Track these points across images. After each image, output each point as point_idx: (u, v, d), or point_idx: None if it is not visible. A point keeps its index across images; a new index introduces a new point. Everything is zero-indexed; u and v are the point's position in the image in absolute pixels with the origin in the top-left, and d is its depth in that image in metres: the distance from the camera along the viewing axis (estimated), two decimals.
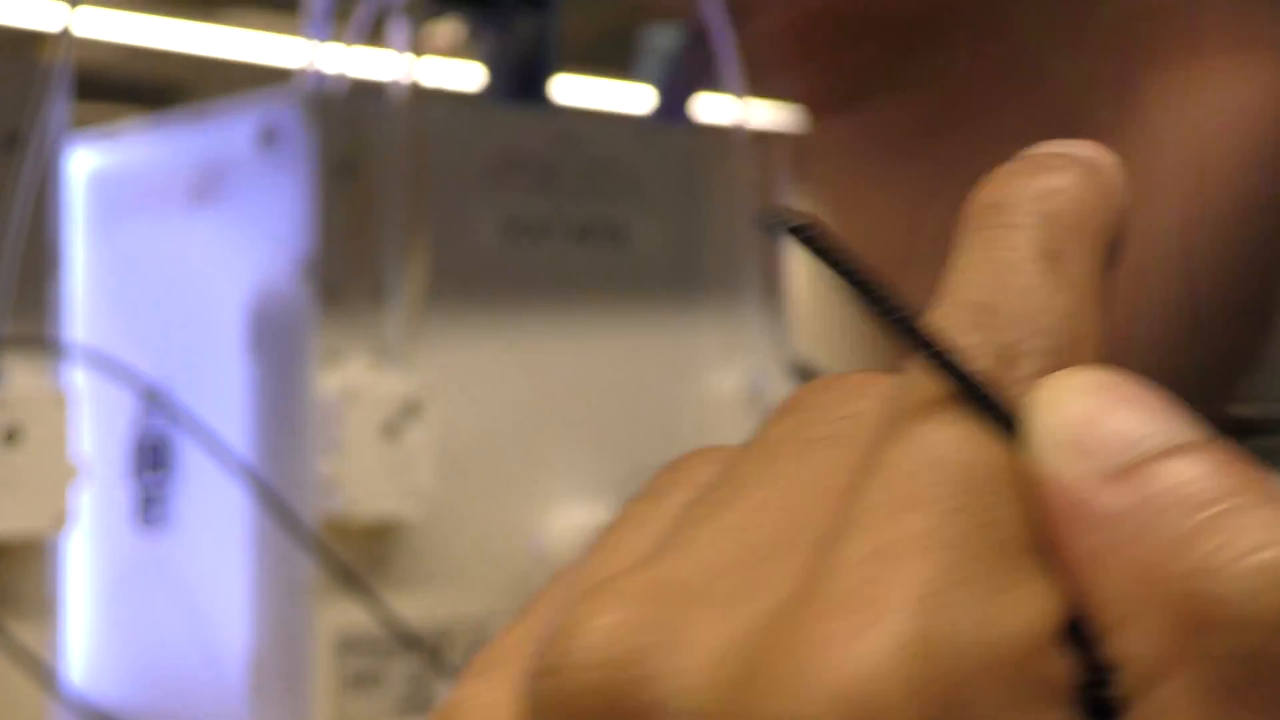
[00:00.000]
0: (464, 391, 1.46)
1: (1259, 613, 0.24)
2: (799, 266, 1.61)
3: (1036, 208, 0.29)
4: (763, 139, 1.65)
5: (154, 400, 1.49)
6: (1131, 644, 0.26)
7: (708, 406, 1.57)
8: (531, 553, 1.46)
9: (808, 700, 0.24)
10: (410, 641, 1.38)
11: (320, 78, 1.64)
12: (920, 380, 0.27)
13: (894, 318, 0.29)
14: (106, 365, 1.39)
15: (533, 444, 1.44)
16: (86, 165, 1.63)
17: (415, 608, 1.39)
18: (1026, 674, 0.25)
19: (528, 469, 1.45)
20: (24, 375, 1.35)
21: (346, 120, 1.41)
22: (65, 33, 1.32)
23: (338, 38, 1.72)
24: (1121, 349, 0.30)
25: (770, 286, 1.60)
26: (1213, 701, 0.25)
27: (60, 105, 1.36)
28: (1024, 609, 0.26)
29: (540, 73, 2.10)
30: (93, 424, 1.45)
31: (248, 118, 1.45)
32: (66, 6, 1.32)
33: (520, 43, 2.10)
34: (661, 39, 1.98)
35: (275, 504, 1.35)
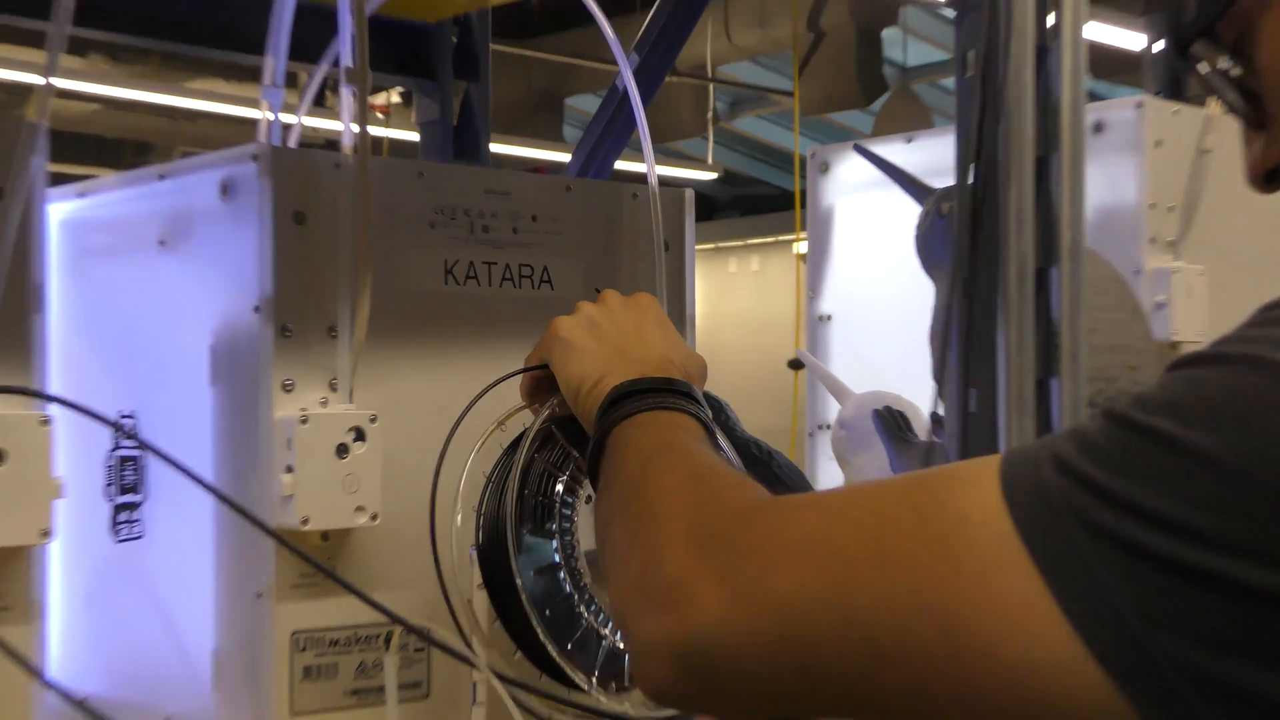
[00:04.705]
0: (405, 418, 1.56)
1: None
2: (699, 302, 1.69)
3: None
4: (670, 192, 1.76)
5: (122, 433, 1.59)
6: None
7: None
8: (463, 560, 1.51)
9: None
10: (358, 638, 1.47)
11: (276, 137, 1.74)
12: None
13: None
14: (79, 407, 1.47)
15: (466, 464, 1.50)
16: (63, 215, 1.74)
17: (362, 608, 1.48)
18: None
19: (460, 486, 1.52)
20: (8, 404, 1.45)
21: (299, 175, 1.51)
22: (45, 93, 1.40)
23: (291, 102, 1.84)
24: None
25: (676, 321, 1.71)
26: None
27: (40, 160, 1.46)
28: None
29: (474, 135, 2.23)
30: (72, 446, 1.55)
31: (210, 172, 1.55)
32: (39, 73, 1.40)
33: (457, 108, 2.23)
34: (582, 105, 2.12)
35: (240, 516, 1.45)
